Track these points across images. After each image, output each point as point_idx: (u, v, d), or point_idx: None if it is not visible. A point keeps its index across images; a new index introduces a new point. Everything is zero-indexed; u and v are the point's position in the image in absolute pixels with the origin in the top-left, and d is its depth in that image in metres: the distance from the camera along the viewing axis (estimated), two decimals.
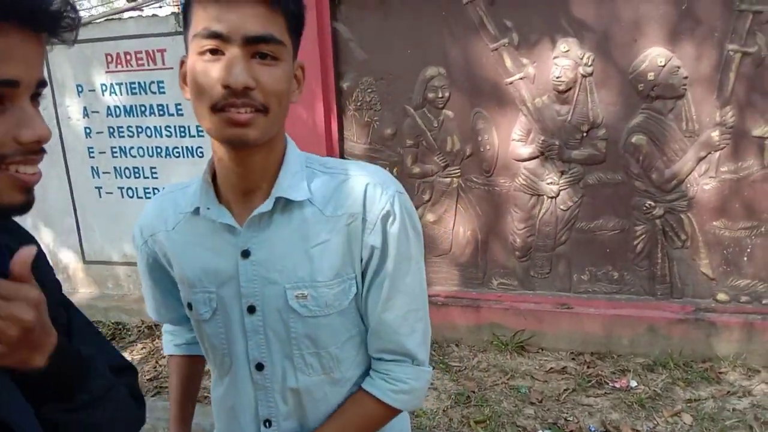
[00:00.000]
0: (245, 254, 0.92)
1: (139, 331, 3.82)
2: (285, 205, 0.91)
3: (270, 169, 0.91)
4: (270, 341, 0.95)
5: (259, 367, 0.96)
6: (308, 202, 0.92)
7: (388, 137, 3.33)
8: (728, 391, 2.77)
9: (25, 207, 0.67)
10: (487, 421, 2.66)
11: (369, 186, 0.91)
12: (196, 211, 0.95)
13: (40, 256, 0.77)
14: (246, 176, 0.90)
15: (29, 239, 0.79)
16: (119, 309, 3.95)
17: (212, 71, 0.80)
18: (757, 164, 2.89)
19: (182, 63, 0.87)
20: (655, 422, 2.59)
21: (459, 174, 3.29)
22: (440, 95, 3.23)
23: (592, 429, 2.57)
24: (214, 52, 0.80)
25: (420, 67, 3.21)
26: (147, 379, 3.25)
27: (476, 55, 3.14)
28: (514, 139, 3.18)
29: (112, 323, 3.90)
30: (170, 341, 1.22)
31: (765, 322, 2.94)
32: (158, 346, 3.61)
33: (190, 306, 0.99)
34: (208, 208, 0.93)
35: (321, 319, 0.92)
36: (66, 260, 4.13)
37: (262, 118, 0.82)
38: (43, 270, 0.77)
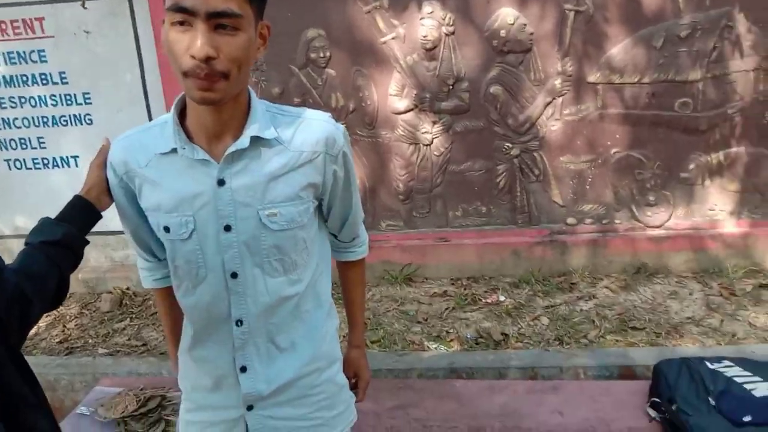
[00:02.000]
0: (221, 183, 1.11)
1: None
2: (256, 142, 1.12)
3: (238, 116, 1.11)
4: (243, 253, 1.15)
5: (234, 275, 1.16)
6: (275, 141, 1.13)
7: (276, 96, 3.56)
8: (577, 297, 3.32)
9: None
10: (381, 340, 3.04)
11: (329, 130, 1.18)
12: (173, 150, 1.11)
13: None
14: (217, 122, 1.10)
15: None
16: None
17: (181, 41, 0.98)
18: (593, 107, 3.42)
19: (163, 22, 1.04)
20: (520, 326, 3.08)
21: (344, 127, 3.58)
22: (322, 55, 3.50)
23: (469, 336, 3.02)
24: (182, 23, 0.97)
25: (301, 29, 3.45)
26: (57, 342, 3.34)
27: (352, 18, 3.42)
28: (391, 94, 3.52)
29: None
30: (149, 276, 1.37)
31: (606, 238, 3.52)
32: (63, 312, 3.68)
33: (167, 229, 1.15)
34: (184, 148, 1.11)
35: (287, 232, 1.16)
36: None
37: (223, 83, 1.00)
38: None
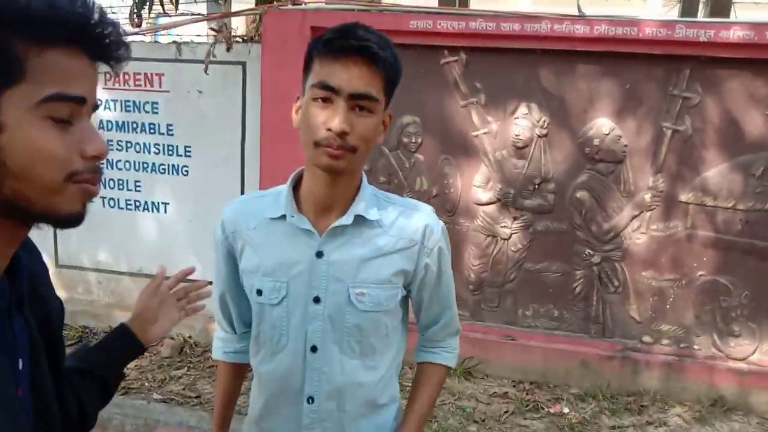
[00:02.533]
0: (319, 255, 1.17)
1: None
2: (359, 221, 1.18)
3: (348, 193, 1.18)
4: (326, 328, 1.18)
5: (313, 349, 1.19)
6: (376, 223, 1.19)
7: (364, 172, 3.66)
8: (647, 421, 3.14)
9: (81, 218, 0.72)
10: None
11: (428, 224, 1.22)
12: (282, 217, 1.18)
13: (47, 271, 0.86)
14: (329, 196, 1.16)
15: (36, 252, 0.85)
16: (87, 314, 4.07)
17: (320, 116, 1.07)
18: (682, 225, 3.35)
19: (298, 98, 1.15)
20: None
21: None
22: (413, 140, 3.61)
23: None
24: (324, 99, 1.07)
25: (398, 114, 3.59)
26: None
27: (448, 109, 3.54)
28: (475, 185, 3.57)
29: (79, 327, 4.02)
30: (220, 348, 1.39)
31: (682, 363, 3.34)
32: None
33: (260, 292, 1.20)
34: (293, 216, 1.18)
35: (372, 314, 1.19)
36: None
37: (350, 155, 1.09)
38: (49, 285, 0.85)
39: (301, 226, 1.17)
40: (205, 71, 3.59)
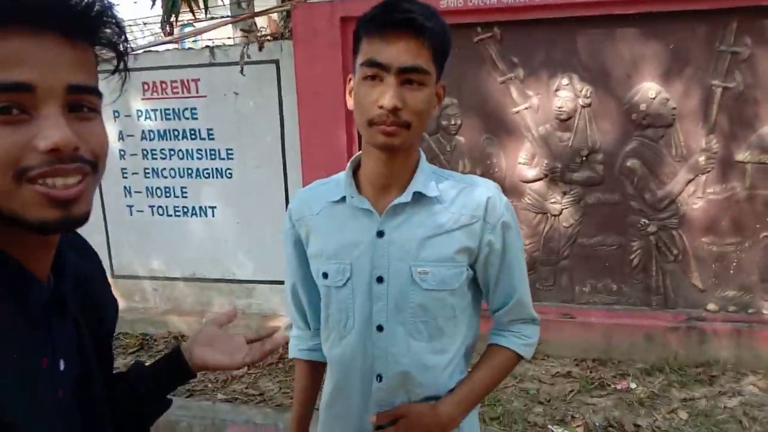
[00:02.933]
0: (380, 234, 1.16)
1: (166, 341, 4.03)
2: (418, 199, 1.15)
3: (406, 171, 1.16)
4: (390, 308, 1.16)
5: (380, 328, 1.17)
6: (436, 199, 1.16)
7: None
8: (719, 392, 3.02)
9: (65, 223, 0.63)
10: (501, 418, 2.89)
11: (490, 198, 1.17)
12: (342, 199, 1.19)
13: (103, 274, 0.83)
14: (387, 174, 1.15)
15: (92, 255, 0.82)
16: (146, 321, 4.16)
17: (372, 94, 1.06)
18: (740, 186, 3.21)
19: (350, 80, 1.14)
20: (654, 418, 2.84)
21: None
22: (453, 123, 3.55)
23: (598, 424, 2.81)
24: (373, 77, 1.06)
25: None
26: None
27: (486, 87, 3.47)
28: (520, 163, 3.50)
29: (139, 335, 4.11)
30: (295, 346, 1.38)
31: (751, 329, 3.21)
32: None
33: (325, 275, 1.20)
34: (352, 197, 1.18)
35: (435, 293, 1.15)
36: None
37: (404, 131, 1.07)
38: (103, 288, 0.82)
39: (360, 206, 1.17)
40: (241, 72, 3.61)
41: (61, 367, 0.70)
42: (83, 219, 0.64)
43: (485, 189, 1.19)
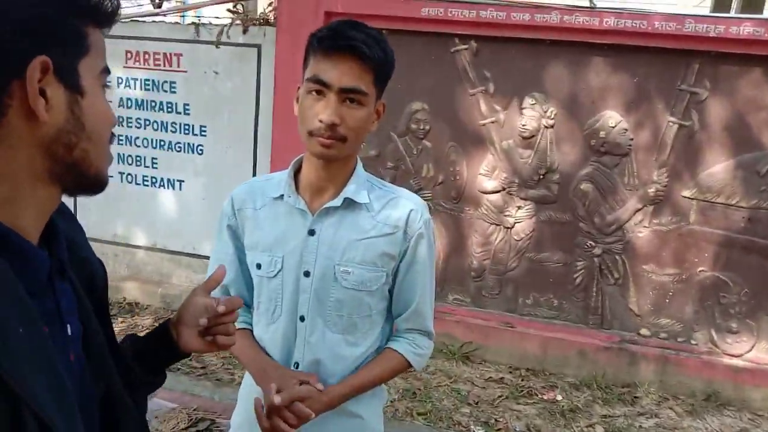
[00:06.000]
0: (311, 233, 1.26)
1: (120, 306, 4.11)
2: (349, 204, 1.26)
3: (342, 177, 1.27)
4: (313, 300, 1.27)
5: (302, 318, 1.28)
6: (365, 207, 1.27)
7: (371, 157, 3.74)
8: (639, 412, 3.18)
9: (105, 185, 0.76)
10: (428, 414, 3.02)
11: (412, 211, 1.28)
12: (281, 197, 1.28)
13: (85, 237, 0.86)
14: (323, 179, 1.26)
15: (74, 219, 0.86)
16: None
17: (314, 107, 1.17)
18: (684, 220, 3.36)
19: (298, 87, 1.23)
20: (572, 430, 2.98)
21: (430, 197, 3.70)
22: (422, 127, 3.66)
23: (517, 429, 2.94)
24: (317, 92, 1.16)
25: (407, 101, 3.64)
26: None
27: (457, 97, 3.58)
28: (481, 173, 3.62)
29: None
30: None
31: (678, 357, 3.37)
32: (137, 322, 3.91)
33: (259, 266, 1.30)
34: (290, 196, 1.27)
35: (354, 292, 1.26)
36: None
37: (340, 144, 1.18)
38: (89, 250, 0.85)
39: (296, 205, 1.27)
40: (216, 46, 3.68)
41: (69, 331, 0.74)
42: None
43: (410, 203, 1.30)
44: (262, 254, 1.29)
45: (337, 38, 1.15)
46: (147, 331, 3.88)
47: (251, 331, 1.38)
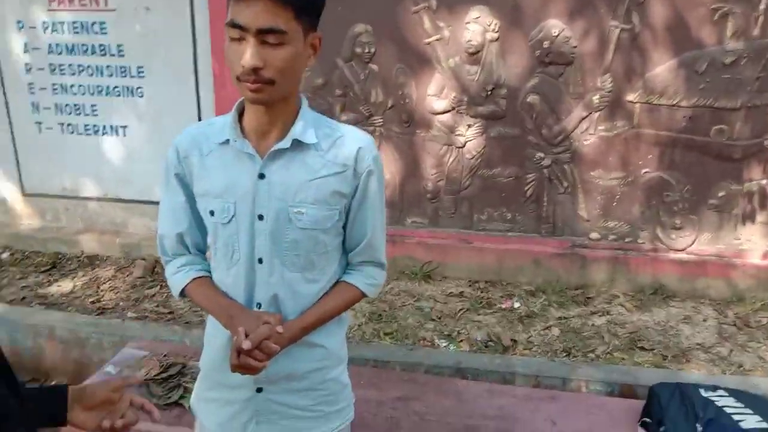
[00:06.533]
0: (261, 176, 1.25)
1: (79, 260, 4.07)
2: (297, 145, 1.25)
3: (286, 118, 1.25)
4: (268, 242, 1.28)
5: (260, 261, 1.29)
6: (313, 146, 1.26)
7: (318, 86, 3.67)
8: (591, 312, 3.37)
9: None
10: (394, 333, 3.14)
11: (360, 149, 1.28)
12: (226, 141, 1.27)
13: None
14: (266, 122, 1.24)
15: None
16: (58, 240, 4.17)
17: (236, 53, 1.13)
18: (628, 125, 3.43)
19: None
20: (530, 334, 3.15)
21: (381, 123, 3.69)
22: (367, 50, 3.59)
23: (479, 338, 3.10)
24: (238, 38, 1.12)
25: (349, 24, 3.55)
26: (90, 302, 3.54)
27: (400, 16, 3.50)
28: (429, 94, 3.60)
29: (52, 253, 4.13)
30: (189, 270, 1.38)
31: (627, 256, 3.54)
32: (99, 274, 3.90)
33: (212, 213, 1.29)
34: (236, 140, 1.25)
35: (309, 231, 1.27)
36: (5, 193, 4.29)
37: (269, 87, 1.15)
38: None
39: (243, 150, 1.25)
40: None
41: None
42: None
43: (358, 140, 1.30)
44: (214, 201, 1.29)
45: None
46: (111, 269, 3.89)
47: (209, 277, 1.39)
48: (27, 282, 3.80)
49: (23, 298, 3.60)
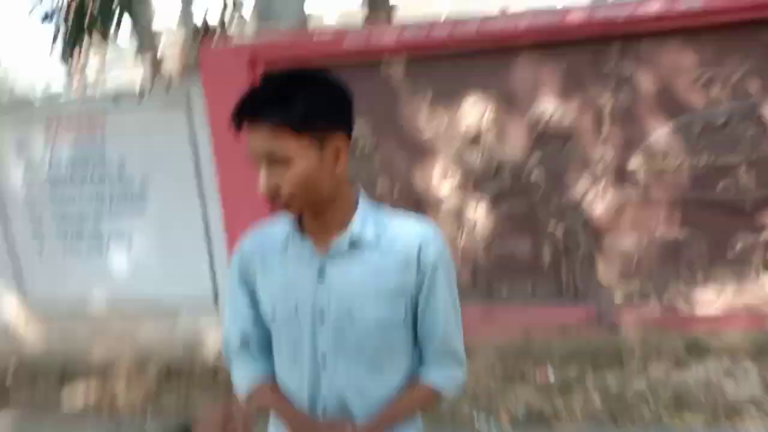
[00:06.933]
0: (321, 274, 1.24)
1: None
2: (356, 242, 1.23)
3: (342, 215, 1.23)
4: (331, 342, 1.24)
5: (324, 361, 1.25)
6: (374, 242, 1.23)
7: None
8: (628, 375, 3.25)
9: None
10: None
11: (424, 240, 1.23)
12: (287, 242, 1.27)
13: None
14: (321, 223, 1.24)
15: None
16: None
17: (259, 177, 1.16)
18: (636, 190, 3.51)
19: None
20: (570, 403, 3.03)
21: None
22: (369, 146, 3.74)
23: (520, 413, 2.97)
24: (256, 163, 1.16)
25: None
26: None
27: (396, 114, 3.69)
28: (434, 181, 3.72)
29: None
30: (250, 372, 1.37)
31: (654, 317, 3.51)
32: (110, 383, 3.75)
33: (273, 314, 1.28)
34: (296, 241, 1.26)
35: (373, 330, 1.23)
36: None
37: (295, 201, 1.16)
38: None
39: (303, 250, 1.26)
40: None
41: None
42: None
43: (420, 231, 1.26)
44: (276, 302, 1.28)
45: (239, 111, 1.14)
46: None
47: (273, 378, 1.36)
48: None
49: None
